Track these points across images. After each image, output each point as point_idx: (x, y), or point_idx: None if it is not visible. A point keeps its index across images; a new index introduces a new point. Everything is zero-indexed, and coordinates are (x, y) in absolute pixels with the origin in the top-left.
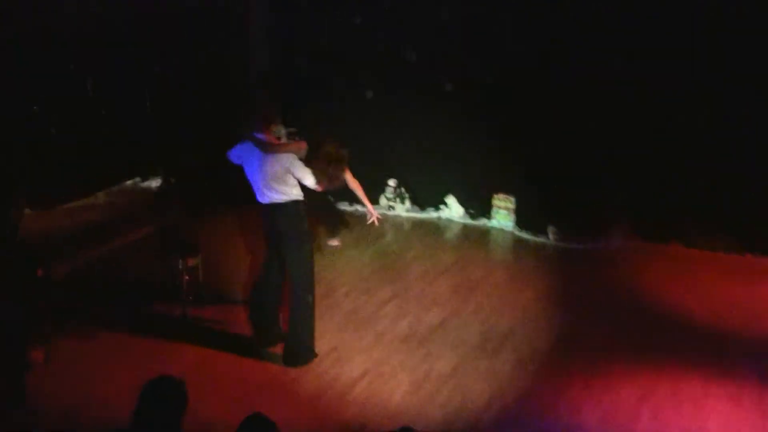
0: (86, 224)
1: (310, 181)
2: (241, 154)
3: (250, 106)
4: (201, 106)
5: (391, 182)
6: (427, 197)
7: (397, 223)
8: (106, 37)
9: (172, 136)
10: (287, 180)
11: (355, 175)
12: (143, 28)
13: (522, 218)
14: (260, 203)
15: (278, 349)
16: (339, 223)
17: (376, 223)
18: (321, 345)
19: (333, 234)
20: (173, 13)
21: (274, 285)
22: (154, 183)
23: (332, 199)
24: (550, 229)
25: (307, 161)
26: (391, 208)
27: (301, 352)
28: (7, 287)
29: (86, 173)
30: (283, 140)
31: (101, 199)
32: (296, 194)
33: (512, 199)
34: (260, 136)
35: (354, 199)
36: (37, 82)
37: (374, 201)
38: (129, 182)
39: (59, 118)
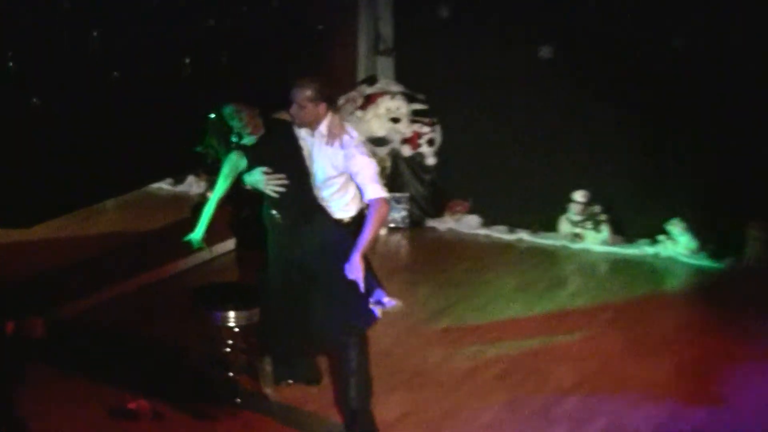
0: (82, 253)
1: None
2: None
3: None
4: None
5: (579, 196)
6: (637, 222)
7: (585, 264)
8: None
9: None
10: None
11: (516, 185)
12: None
13: None
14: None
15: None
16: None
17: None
18: None
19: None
20: None
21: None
22: (195, 188)
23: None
24: None
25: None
26: (576, 238)
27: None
28: None
29: (87, 170)
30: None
31: (110, 210)
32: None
33: None
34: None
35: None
36: (10, 25)
37: (549, 226)
38: (154, 185)
39: (45, 82)
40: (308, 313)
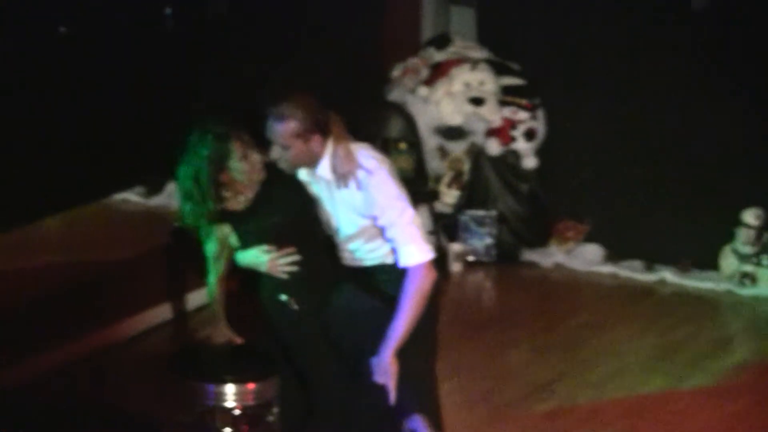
0: (10, 299)
1: None
2: None
3: None
4: None
5: (751, 218)
6: None
7: (760, 317)
8: None
9: None
10: None
11: (656, 200)
12: None
13: None
14: None
15: None
16: None
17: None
18: None
19: None
20: None
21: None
22: (176, 201)
23: None
24: None
25: None
26: (746, 279)
27: None
28: None
29: (15, 174)
30: None
31: (52, 234)
32: None
33: None
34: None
35: None
36: None
37: (705, 262)
38: (117, 197)
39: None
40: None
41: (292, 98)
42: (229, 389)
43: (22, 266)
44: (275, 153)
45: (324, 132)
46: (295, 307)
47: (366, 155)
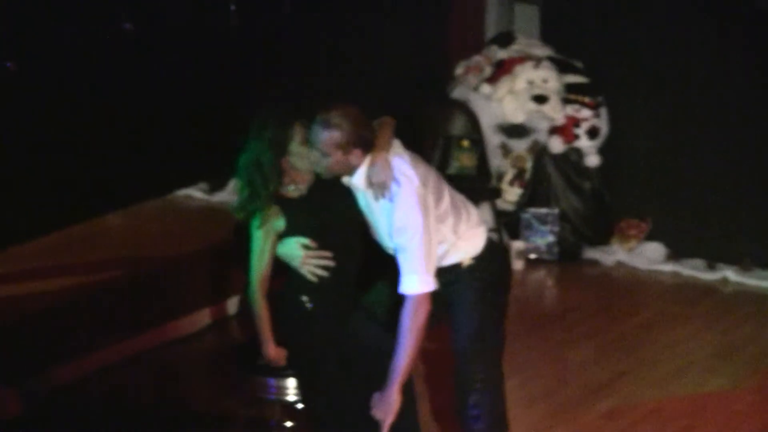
0: (71, 294)
1: None
2: None
3: None
4: None
5: None
6: None
7: None
8: None
9: None
10: None
11: (718, 198)
12: None
13: None
14: None
15: None
16: None
17: None
18: None
19: None
20: None
21: None
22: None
23: None
24: None
25: None
26: None
27: None
28: None
29: (79, 170)
30: None
31: (113, 230)
32: None
33: None
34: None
35: None
36: None
37: None
38: (180, 193)
39: (20, 39)
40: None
41: (341, 108)
42: (291, 383)
43: (85, 261)
44: (313, 157)
45: (365, 147)
46: (309, 305)
47: (401, 167)
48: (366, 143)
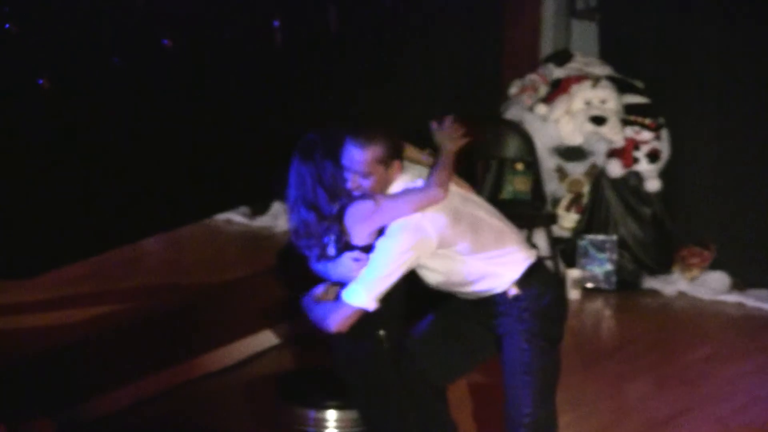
0: (108, 322)
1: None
2: None
3: None
4: None
5: None
6: None
7: None
8: None
9: None
10: None
11: None
12: None
13: None
14: None
15: None
16: None
17: None
18: None
19: None
20: None
21: None
22: (282, 222)
23: None
24: None
25: None
26: None
27: None
28: None
29: (115, 193)
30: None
31: (151, 256)
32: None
33: None
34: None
35: None
36: None
37: None
38: (219, 217)
39: (54, 53)
40: None
41: (370, 126)
42: (331, 416)
43: (121, 288)
44: (351, 183)
45: (401, 157)
46: (387, 345)
47: (427, 216)
48: (400, 153)
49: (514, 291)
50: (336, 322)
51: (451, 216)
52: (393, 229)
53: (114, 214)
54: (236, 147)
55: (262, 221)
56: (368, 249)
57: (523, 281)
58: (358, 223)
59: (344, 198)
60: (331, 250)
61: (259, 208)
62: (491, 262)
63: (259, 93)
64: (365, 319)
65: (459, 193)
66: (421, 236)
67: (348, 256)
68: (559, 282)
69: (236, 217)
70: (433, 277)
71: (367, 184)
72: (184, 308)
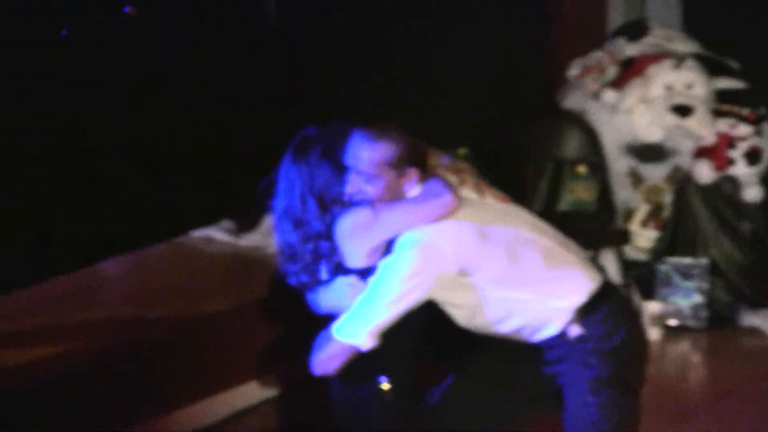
0: (56, 365)
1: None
2: None
3: None
4: None
5: None
6: None
7: None
8: None
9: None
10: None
11: None
12: None
13: None
14: None
15: None
16: None
17: None
18: None
19: None
20: None
21: None
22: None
23: None
24: None
25: None
26: None
27: None
28: None
29: (68, 206)
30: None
31: (111, 283)
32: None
33: None
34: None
35: None
36: None
37: None
38: (197, 235)
39: None
40: None
41: (385, 122)
42: None
43: (76, 323)
44: (351, 186)
45: (422, 166)
46: (388, 395)
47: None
48: (422, 161)
49: (576, 331)
50: (320, 362)
51: (477, 231)
52: (398, 245)
53: (67, 231)
54: (215, 147)
55: (250, 239)
56: (367, 273)
57: (586, 315)
58: (351, 239)
59: (337, 210)
60: (324, 273)
61: (247, 222)
62: (539, 296)
63: (248, 76)
64: (361, 361)
65: (492, 204)
66: (433, 256)
67: (341, 281)
68: (635, 313)
69: (218, 233)
70: (459, 315)
71: (370, 190)
72: (152, 350)
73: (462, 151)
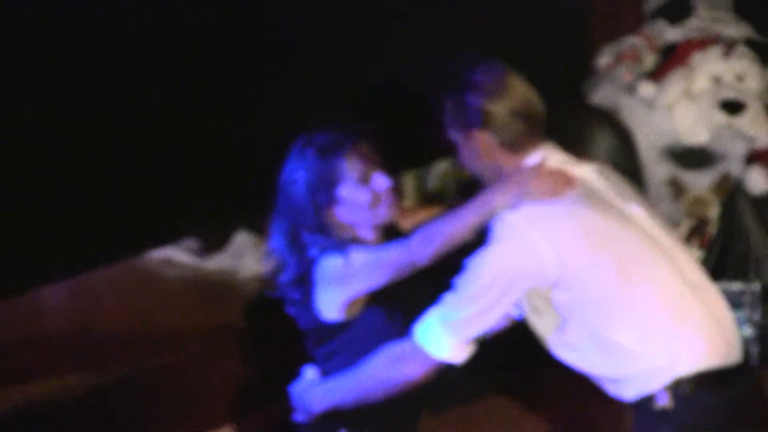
0: (28, 397)
1: None
2: None
3: None
4: None
5: None
6: None
7: None
8: None
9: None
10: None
11: None
12: None
13: None
14: None
15: None
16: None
17: None
18: None
19: None
20: None
21: None
22: (250, 262)
23: None
24: None
25: None
26: None
27: None
28: None
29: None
30: None
31: (55, 312)
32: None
33: None
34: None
35: None
36: None
37: None
38: (157, 256)
39: None
40: None
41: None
42: None
43: (7, 363)
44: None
45: (509, 138)
46: None
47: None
48: (509, 128)
49: (664, 399)
50: (389, 375)
51: (584, 229)
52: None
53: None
54: (180, 147)
55: (217, 261)
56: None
57: (687, 384)
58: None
59: (328, 237)
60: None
61: (214, 240)
62: (645, 339)
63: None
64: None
65: (603, 198)
66: (526, 249)
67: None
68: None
69: (180, 254)
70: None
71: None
72: (99, 393)
73: None
